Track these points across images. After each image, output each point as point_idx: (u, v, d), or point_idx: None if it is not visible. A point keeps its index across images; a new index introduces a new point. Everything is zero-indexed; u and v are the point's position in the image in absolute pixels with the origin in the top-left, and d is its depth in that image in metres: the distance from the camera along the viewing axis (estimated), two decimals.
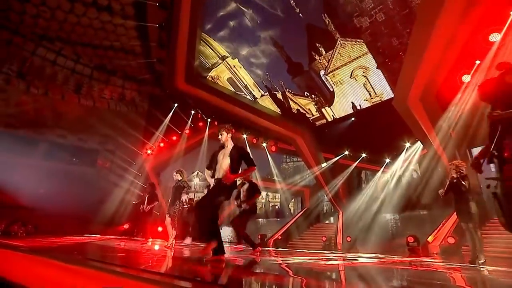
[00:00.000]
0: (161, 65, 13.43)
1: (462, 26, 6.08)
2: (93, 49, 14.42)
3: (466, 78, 6.71)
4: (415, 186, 10.94)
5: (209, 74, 11.28)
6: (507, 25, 5.55)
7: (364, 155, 12.13)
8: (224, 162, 2.86)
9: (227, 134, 2.98)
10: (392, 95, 8.32)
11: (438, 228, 8.15)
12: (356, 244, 9.98)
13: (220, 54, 10.39)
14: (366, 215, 11.64)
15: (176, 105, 13.89)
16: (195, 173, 22.94)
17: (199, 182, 23.13)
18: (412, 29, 6.46)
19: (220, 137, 3.01)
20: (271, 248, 9.68)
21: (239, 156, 2.89)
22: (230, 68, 10.57)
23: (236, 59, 10.13)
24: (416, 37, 6.52)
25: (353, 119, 10.41)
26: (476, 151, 9.33)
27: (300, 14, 7.28)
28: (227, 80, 11.19)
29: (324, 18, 7.34)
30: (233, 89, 11.74)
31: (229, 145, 2.97)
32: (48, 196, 12.86)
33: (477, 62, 6.29)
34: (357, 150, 11.82)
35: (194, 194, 22.67)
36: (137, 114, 17.78)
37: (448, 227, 7.93)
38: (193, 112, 14.02)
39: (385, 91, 8.75)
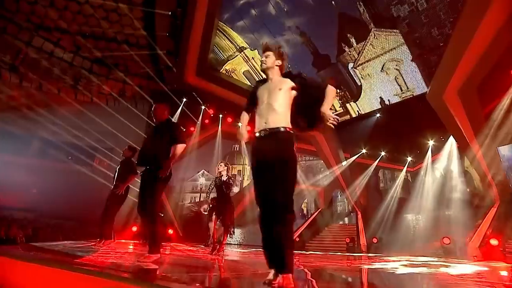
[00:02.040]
0: (169, 57, 12.95)
1: None
2: (95, 40, 13.80)
3: None
4: (440, 185, 10.87)
5: (224, 67, 10.88)
6: None
7: (383, 153, 11.99)
8: None
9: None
10: (425, 90, 8.17)
11: (475, 229, 8.03)
12: (382, 246, 9.80)
13: (238, 45, 10.04)
14: (387, 215, 11.53)
15: (185, 100, 13.44)
16: (201, 172, 22.49)
17: (204, 182, 22.68)
18: (457, 18, 6.25)
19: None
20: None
21: None
22: (248, 61, 10.23)
23: (256, 50, 9.79)
24: (463, 25, 6.36)
25: (378, 115, 10.26)
26: (503, 150, 9.33)
27: (333, 2, 6.98)
28: (243, 73, 10.82)
29: (358, 6, 7.09)
30: (249, 83, 11.39)
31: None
32: (42, 197, 12.24)
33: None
34: (379, 148, 11.66)
35: (200, 195, 22.19)
36: (138, 110, 17.19)
37: (485, 228, 7.84)
38: (203, 107, 13.59)
39: (417, 86, 8.59)
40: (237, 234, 14.58)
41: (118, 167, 4.50)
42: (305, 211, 19.05)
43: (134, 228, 11.79)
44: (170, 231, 10.93)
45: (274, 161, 1.56)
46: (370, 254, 8.29)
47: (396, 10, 6.72)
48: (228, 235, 4.17)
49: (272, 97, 1.75)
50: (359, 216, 11.92)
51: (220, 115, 13.42)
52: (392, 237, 10.04)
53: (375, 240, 9.94)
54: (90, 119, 15.17)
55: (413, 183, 12.14)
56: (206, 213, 9.89)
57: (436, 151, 11.07)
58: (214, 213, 4.39)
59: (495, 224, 7.91)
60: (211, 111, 13.48)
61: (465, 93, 7.57)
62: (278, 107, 1.70)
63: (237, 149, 24.95)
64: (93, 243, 3.63)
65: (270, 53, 1.88)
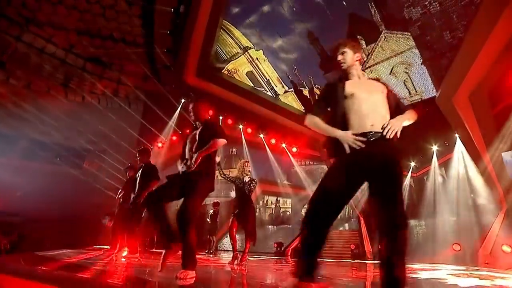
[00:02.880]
0: (167, 57, 12.65)
1: None
2: (90, 38, 13.35)
3: None
4: (443, 191, 10.89)
5: (226, 68, 10.67)
6: None
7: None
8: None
9: None
10: (434, 94, 8.19)
11: (485, 235, 8.00)
12: None
13: (242, 45, 9.85)
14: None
15: (183, 100, 13.12)
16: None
17: None
18: (470, 21, 6.25)
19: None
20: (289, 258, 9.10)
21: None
22: (252, 61, 10.06)
23: (261, 50, 9.64)
24: (477, 29, 6.36)
25: None
26: (506, 155, 9.42)
27: (344, 2, 6.89)
28: (246, 74, 10.66)
29: (370, 7, 7.02)
30: (252, 84, 11.21)
31: None
32: (28, 200, 11.61)
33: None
34: None
35: None
36: (132, 111, 16.70)
37: (494, 235, 7.82)
38: None
39: (426, 90, 8.59)
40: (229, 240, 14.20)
41: (138, 173, 4.30)
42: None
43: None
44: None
45: (392, 169, 1.37)
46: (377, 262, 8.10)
47: (408, 12, 6.69)
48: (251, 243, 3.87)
49: (375, 97, 1.55)
50: (362, 222, 11.82)
51: (220, 117, 13.16)
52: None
53: (381, 247, 9.75)
54: (81, 119, 14.64)
55: (415, 189, 12.19)
56: (209, 215, 9.49)
57: (440, 156, 11.12)
58: (234, 218, 4.06)
59: (503, 230, 7.92)
60: (210, 113, 13.22)
61: (476, 97, 7.61)
62: (383, 111, 1.51)
63: (235, 152, 24.61)
64: (106, 253, 3.24)
65: (346, 50, 1.72)
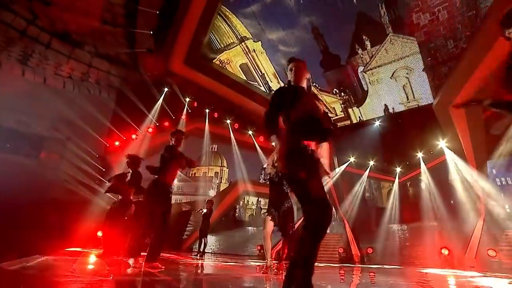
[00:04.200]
0: (151, 40, 11.84)
1: None
2: (60, 11, 12.13)
3: None
4: (425, 196, 11.55)
5: (218, 57, 10.24)
6: None
7: (372, 163, 12.41)
8: None
9: None
10: (431, 101, 8.60)
11: (469, 240, 8.58)
12: (376, 256, 9.99)
13: (239, 34, 9.49)
14: (373, 225, 11.90)
15: (166, 89, 12.38)
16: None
17: (176, 183, 21.26)
18: (474, 33, 6.61)
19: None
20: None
21: None
22: (248, 53, 9.75)
23: (260, 42, 9.38)
24: (480, 40, 6.75)
25: (378, 123, 10.54)
26: (489, 163, 10.27)
27: (355, 0, 6.92)
28: (239, 66, 10.31)
29: (380, 8, 7.13)
30: (245, 78, 10.89)
31: None
32: None
33: None
34: (368, 157, 12.01)
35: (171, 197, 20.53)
36: (103, 99, 15.49)
37: (476, 240, 8.43)
38: (187, 100, 12.63)
39: (424, 96, 9.00)
40: (211, 241, 13.80)
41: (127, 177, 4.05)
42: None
43: (100, 233, 10.28)
44: (100, 233, 9.52)
45: None
46: (373, 266, 8.32)
47: (417, 18, 6.91)
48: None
49: None
50: (347, 225, 12.11)
51: (207, 110, 12.63)
52: (383, 247, 10.33)
53: (370, 251, 10.12)
54: (40, 103, 13.21)
55: (399, 194, 12.83)
56: (202, 213, 8.91)
57: (423, 163, 11.78)
58: (271, 219, 3.62)
59: (485, 235, 8.59)
60: (196, 104, 12.64)
61: (471, 109, 8.12)
62: None
63: (215, 149, 24.06)
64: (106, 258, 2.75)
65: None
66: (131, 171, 3.99)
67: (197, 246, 7.71)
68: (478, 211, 9.54)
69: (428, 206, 11.39)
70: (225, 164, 23.45)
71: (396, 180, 12.79)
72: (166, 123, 13.94)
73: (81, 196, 12.79)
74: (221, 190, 24.08)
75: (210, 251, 13.14)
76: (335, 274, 4.21)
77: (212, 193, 23.69)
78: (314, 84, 9.86)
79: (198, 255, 6.54)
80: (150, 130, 14.14)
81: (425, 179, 11.78)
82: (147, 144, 14.02)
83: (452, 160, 9.94)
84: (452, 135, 8.94)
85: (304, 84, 2.06)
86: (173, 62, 11.18)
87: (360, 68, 8.95)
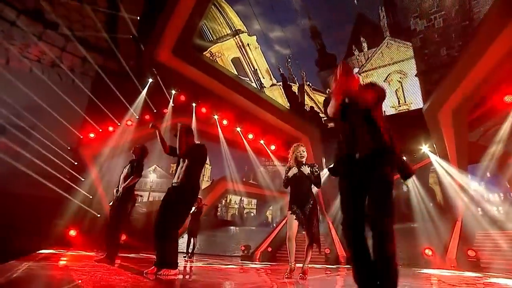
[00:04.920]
0: (136, 26, 11.31)
1: None
2: None
3: (508, 99, 7.73)
4: (404, 199, 12.09)
5: (209, 49, 10.01)
6: None
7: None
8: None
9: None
10: (421, 106, 9.01)
11: (449, 241, 9.11)
12: None
13: (234, 27, 9.34)
14: None
15: (150, 80, 11.86)
16: (152, 167, 20.21)
17: (155, 179, 20.43)
18: (467, 42, 7.05)
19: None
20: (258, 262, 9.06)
21: None
22: (242, 47, 9.63)
23: (255, 36, 9.29)
24: (471, 50, 7.19)
25: None
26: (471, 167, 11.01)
27: (356, 1, 7.09)
28: (231, 60, 10.15)
29: (380, 11, 7.37)
30: (236, 72, 10.74)
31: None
32: None
33: None
34: None
35: (149, 194, 19.66)
36: (77, 87, 14.58)
37: (456, 241, 8.97)
38: (173, 93, 12.19)
39: (414, 101, 9.43)
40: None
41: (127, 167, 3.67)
42: (269, 219, 18.99)
43: (73, 232, 9.56)
44: (72, 233, 8.59)
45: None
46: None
47: (414, 23, 7.23)
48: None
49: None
50: (331, 226, 12.36)
51: (194, 104, 12.27)
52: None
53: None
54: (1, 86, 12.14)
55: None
56: (191, 212, 8.59)
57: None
58: (295, 219, 3.42)
59: (463, 236, 9.17)
60: (182, 98, 12.24)
61: (458, 114, 8.64)
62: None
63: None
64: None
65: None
66: (136, 162, 3.65)
67: (185, 247, 7.41)
68: (457, 212, 10.17)
69: (411, 208, 11.94)
70: (207, 161, 23.24)
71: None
72: (147, 117, 13.33)
73: (49, 192, 11.83)
74: (202, 188, 23.72)
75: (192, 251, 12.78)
76: (339, 276, 4.25)
77: None
78: (308, 83, 9.99)
79: (187, 256, 6.27)
80: (129, 123, 13.50)
81: (407, 181, 12.23)
82: (126, 137, 13.37)
83: (437, 163, 10.53)
84: (439, 139, 9.46)
85: None
86: (160, 51, 10.72)
87: (355, 70, 9.16)
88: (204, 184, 24.14)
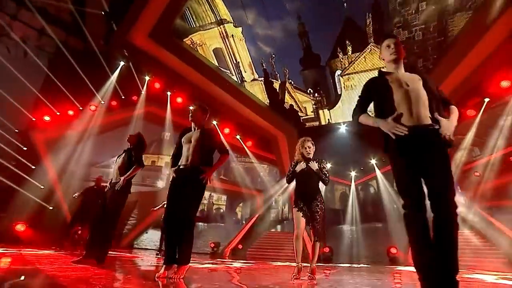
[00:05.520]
0: (113, 2, 10.71)
1: (480, 69, 7.84)
2: None
3: (471, 113, 8.67)
4: (371, 200, 12.96)
5: (190, 37, 9.78)
6: None
7: (329, 165, 13.34)
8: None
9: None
10: None
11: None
12: (332, 256, 10.77)
13: (219, 16, 9.19)
14: (328, 225, 12.77)
15: (122, 63, 11.15)
16: (116, 158, 18.94)
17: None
18: (439, 56, 7.78)
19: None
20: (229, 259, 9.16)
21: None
22: (225, 37, 9.53)
23: (240, 28, 9.23)
24: (443, 65, 7.94)
25: (345, 128, 11.39)
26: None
27: (345, 4, 7.45)
28: (213, 50, 9.99)
29: (367, 17, 7.81)
30: (216, 63, 10.58)
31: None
32: None
33: (486, 100, 8.15)
34: (327, 159, 12.83)
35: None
36: (30, 63, 13.30)
37: None
38: (147, 79, 11.59)
39: None
40: (155, 238, 13.08)
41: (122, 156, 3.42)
42: (239, 216, 19.00)
43: (20, 227, 8.59)
44: (20, 227, 7.87)
45: (439, 165, 1.49)
46: (340, 264, 9.01)
47: (397, 33, 7.76)
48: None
49: (416, 86, 1.61)
50: None
51: (168, 93, 11.79)
52: (336, 247, 11.22)
53: (327, 250, 10.83)
54: None
55: (350, 197, 14.14)
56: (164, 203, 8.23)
57: (372, 169, 13.21)
58: (303, 216, 3.37)
59: None
60: (157, 85, 11.70)
61: None
62: (425, 100, 1.55)
63: (167, 137, 22.41)
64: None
65: (396, 42, 1.73)
66: (133, 151, 3.36)
67: (159, 244, 7.11)
68: None
69: (378, 208, 12.83)
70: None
71: (353, 183, 14.10)
72: (114, 102, 12.52)
73: None
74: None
75: (155, 248, 12.41)
76: (340, 275, 4.42)
77: (161, 184, 22.39)
78: (290, 81, 10.20)
79: (161, 254, 6.05)
80: (93, 108, 12.56)
81: (374, 184, 13.23)
82: (89, 123, 12.42)
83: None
84: None
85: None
86: (135, 32, 10.13)
87: (338, 72, 9.61)
88: None
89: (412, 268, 1.52)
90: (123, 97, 12.73)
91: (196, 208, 2.49)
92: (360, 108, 1.75)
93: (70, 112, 12.64)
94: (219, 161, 2.56)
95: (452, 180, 1.53)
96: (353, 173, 14.23)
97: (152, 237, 12.43)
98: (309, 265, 3.24)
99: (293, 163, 3.50)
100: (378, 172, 12.69)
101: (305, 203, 3.34)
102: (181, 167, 2.46)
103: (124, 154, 3.53)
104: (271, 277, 3.65)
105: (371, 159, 13.26)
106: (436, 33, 7.92)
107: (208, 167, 2.43)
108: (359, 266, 8.15)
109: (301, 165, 3.36)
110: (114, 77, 11.18)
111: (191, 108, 2.62)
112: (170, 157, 2.65)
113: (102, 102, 12.77)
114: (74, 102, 12.23)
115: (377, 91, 1.71)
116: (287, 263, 8.72)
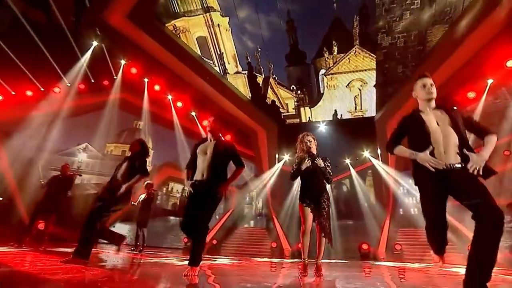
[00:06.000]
0: None
1: (450, 80, 8.54)
2: None
3: None
4: (344, 198, 13.59)
5: (173, 22, 9.53)
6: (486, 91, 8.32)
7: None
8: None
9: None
10: (374, 114, 10.21)
11: (381, 236, 10.71)
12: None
13: (206, 3, 9.02)
14: (293, 221, 13.14)
15: (95, 43, 10.49)
16: (83, 145, 17.71)
17: (86, 160, 17.95)
18: (417, 64, 8.37)
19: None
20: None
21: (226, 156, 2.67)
22: (211, 26, 9.38)
23: (227, 18, 9.13)
24: (424, 71, 8.51)
25: (324, 126, 11.74)
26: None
27: (335, 4, 7.73)
28: (196, 38, 9.81)
29: (354, 20, 8.14)
30: (199, 53, 10.40)
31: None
32: None
33: (454, 108, 8.88)
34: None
35: (76, 176, 16.97)
36: None
37: (385, 236, 10.56)
38: (123, 62, 10.99)
39: (369, 109, 10.62)
40: (122, 231, 12.64)
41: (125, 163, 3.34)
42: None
43: None
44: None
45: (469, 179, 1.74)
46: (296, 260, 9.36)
47: (381, 38, 8.19)
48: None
49: (447, 126, 1.84)
50: (276, 220, 13.07)
51: (146, 79, 11.29)
52: (314, 243, 11.63)
53: (300, 246, 11.15)
54: None
55: (332, 193, 14.52)
56: (140, 200, 7.75)
57: (346, 169, 13.85)
58: (311, 212, 3.36)
59: (391, 231, 10.89)
60: (134, 70, 11.17)
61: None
62: (455, 138, 1.79)
63: (139, 126, 21.35)
64: None
65: (432, 82, 1.96)
66: (137, 159, 3.24)
67: (134, 239, 6.69)
68: (387, 211, 12.01)
69: (350, 206, 13.48)
70: (150, 145, 21.47)
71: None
72: (82, 86, 11.72)
73: None
74: None
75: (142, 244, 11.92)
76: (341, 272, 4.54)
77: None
78: (274, 76, 10.32)
79: (137, 250, 5.81)
80: (57, 90, 11.68)
81: (347, 182, 13.87)
82: (51, 107, 11.54)
83: (379, 165, 12.17)
84: (383, 146, 10.86)
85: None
86: (112, 11, 9.55)
87: (322, 71, 9.90)
88: None
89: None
90: (92, 80, 11.99)
91: (210, 217, 2.61)
92: (395, 141, 1.96)
93: (29, 93, 11.65)
94: (234, 174, 2.66)
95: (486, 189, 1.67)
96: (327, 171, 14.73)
97: (119, 231, 11.89)
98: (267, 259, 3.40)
99: (296, 160, 3.55)
100: (352, 171, 13.35)
101: (312, 200, 3.39)
102: (196, 182, 2.55)
103: (126, 161, 3.37)
104: (274, 274, 3.70)
105: (345, 159, 13.90)
106: (416, 42, 8.48)
107: (223, 182, 2.53)
108: (336, 262, 8.57)
109: (307, 163, 3.41)
110: (85, 58, 10.48)
111: (209, 120, 2.71)
112: (186, 168, 2.69)
113: (68, 84, 11.93)
114: (34, 82, 11.28)
115: (412, 129, 1.89)
116: (266, 259, 8.88)
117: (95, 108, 12.38)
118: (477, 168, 1.66)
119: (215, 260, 5.14)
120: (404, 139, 1.96)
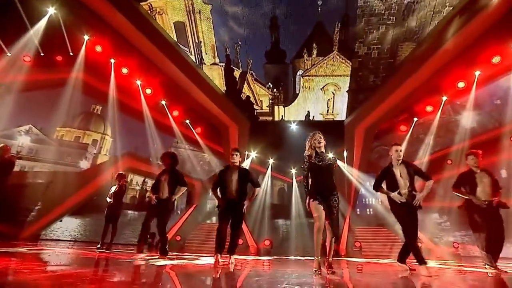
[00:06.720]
0: None
1: (415, 92, 9.57)
2: None
3: (403, 128, 10.47)
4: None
5: (149, 1, 9.28)
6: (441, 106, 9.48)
7: (271, 161, 14.17)
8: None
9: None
10: (344, 118, 10.93)
11: (341, 234, 11.57)
12: (272, 249, 11.53)
13: None
14: (259, 218, 13.42)
15: (51, 12, 9.58)
16: (26, 127, 15.73)
17: (29, 144, 15.97)
18: (387, 75, 9.25)
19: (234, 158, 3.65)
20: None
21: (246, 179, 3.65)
22: (191, 12, 9.27)
23: (210, 6, 9.08)
24: (387, 84, 9.39)
25: (295, 126, 12.18)
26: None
27: (319, 9, 8.20)
28: (174, 23, 9.62)
29: (336, 26, 8.69)
30: (175, 38, 10.14)
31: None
32: None
33: (415, 119, 9.98)
34: (270, 156, 13.63)
35: (15, 161, 14.74)
36: None
37: (345, 234, 11.43)
38: (86, 38, 10.16)
39: (340, 113, 11.34)
40: (74, 226, 11.86)
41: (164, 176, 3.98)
42: (174, 205, 18.11)
43: None
44: None
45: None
46: (266, 258, 9.72)
47: (358, 47, 8.89)
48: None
49: (406, 174, 3.16)
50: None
51: (113, 60, 10.57)
52: (275, 240, 12.10)
53: (267, 243, 11.50)
54: None
55: (287, 192, 15.17)
56: (111, 193, 6.96)
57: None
58: (323, 209, 3.43)
59: (350, 229, 11.81)
60: (98, 49, 10.41)
61: (368, 132, 10.97)
62: (410, 182, 3.11)
63: (98, 111, 19.55)
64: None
65: (401, 148, 3.21)
66: (174, 172, 3.90)
67: (101, 235, 5.72)
68: (348, 210, 13.00)
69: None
70: (108, 132, 19.47)
71: (294, 180, 15.26)
72: (28, 58, 10.63)
73: None
74: (98, 162, 20.53)
75: (71, 238, 11.16)
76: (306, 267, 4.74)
77: (84, 164, 19.27)
78: (252, 72, 10.49)
79: (104, 247, 5.18)
80: None
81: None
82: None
83: (344, 168, 13.10)
84: (350, 148, 11.77)
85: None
86: None
87: (299, 72, 10.33)
88: (101, 158, 20.87)
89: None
90: (42, 54, 10.91)
91: (242, 221, 3.60)
92: (379, 183, 3.22)
93: None
94: (253, 193, 3.58)
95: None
96: (293, 171, 15.43)
97: (67, 226, 11.06)
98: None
99: (305, 159, 3.73)
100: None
101: (323, 198, 3.56)
102: (228, 200, 3.44)
103: (167, 173, 3.91)
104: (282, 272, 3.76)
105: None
106: (389, 55, 9.34)
107: (247, 200, 3.50)
108: (303, 258, 9.04)
109: (316, 161, 3.58)
110: (39, 27, 9.52)
111: (236, 153, 3.61)
112: (211, 189, 3.51)
113: (9, 54, 10.72)
114: None
115: (388, 177, 3.11)
116: (243, 257, 9.03)
117: (43, 85, 11.27)
118: (418, 203, 2.95)
119: (199, 260, 5.02)
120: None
